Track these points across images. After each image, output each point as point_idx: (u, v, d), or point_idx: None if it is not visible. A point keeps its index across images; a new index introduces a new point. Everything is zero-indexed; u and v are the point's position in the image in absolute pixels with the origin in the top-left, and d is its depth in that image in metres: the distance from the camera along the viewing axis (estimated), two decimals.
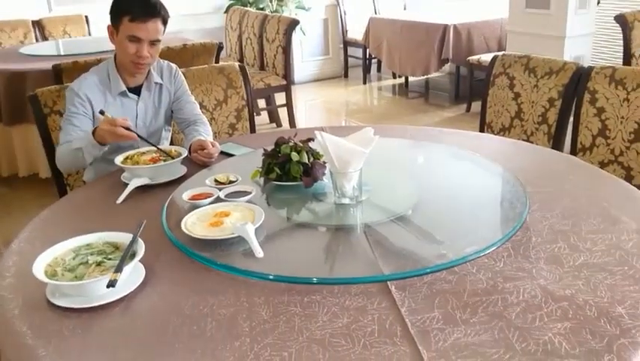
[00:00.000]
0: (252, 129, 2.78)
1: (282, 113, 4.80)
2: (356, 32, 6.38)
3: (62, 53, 4.24)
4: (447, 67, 5.67)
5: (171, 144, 2.29)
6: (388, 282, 1.12)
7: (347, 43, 6.52)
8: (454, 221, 1.38)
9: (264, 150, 1.61)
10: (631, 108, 2.07)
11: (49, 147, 2.26)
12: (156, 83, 2.02)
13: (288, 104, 4.61)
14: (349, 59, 6.62)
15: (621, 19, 3.41)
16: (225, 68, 2.67)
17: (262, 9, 5.79)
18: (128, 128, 1.70)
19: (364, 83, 6.41)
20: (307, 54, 6.50)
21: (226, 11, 5.62)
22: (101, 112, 1.78)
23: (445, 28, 5.02)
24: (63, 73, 2.99)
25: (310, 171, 1.51)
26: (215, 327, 1.02)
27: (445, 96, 5.87)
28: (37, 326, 1.05)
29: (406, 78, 6.13)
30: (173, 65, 2.10)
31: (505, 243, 1.23)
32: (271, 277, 1.14)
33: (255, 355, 0.95)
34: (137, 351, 0.97)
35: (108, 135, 1.71)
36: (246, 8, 5.26)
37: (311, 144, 1.56)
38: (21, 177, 3.73)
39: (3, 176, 3.76)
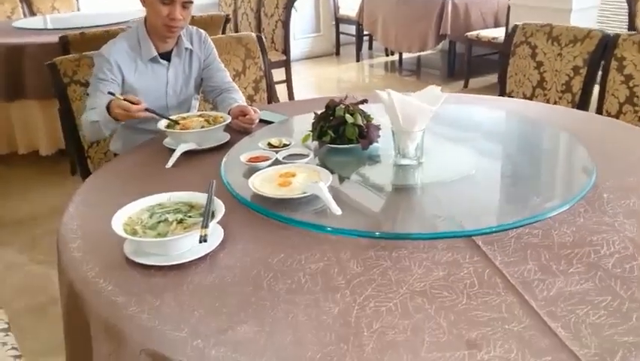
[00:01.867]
0: (269, 100, 2.74)
1: (279, 89, 4.73)
2: (348, 9, 6.33)
3: (59, 27, 4.10)
4: (440, 45, 5.66)
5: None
6: (474, 237, 1.11)
7: (339, 20, 6.46)
8: (524, 181, 1.37)
9: (315, 113, 1.58)
10: None
11: (69, 119, 2.19)
12: (186, 48, 1.96)
13: (288, 80, 4.55)
14: (341, 36, 6.57)
15: None
16: (243, 38, 2.62)
17: None
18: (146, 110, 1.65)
19: (357, 60, 6.37)
20: (298, 31, 6.41)
21: None
22: (111, 93, 1.71)
23: (443, 2, 5.00)
24: (70, 45, 2.90)
25: (366, 133, 1.49)
26: (310, 280, 1.00)
27: (438, 74, 5.87)
28: (124, 284, 1.02)
29: (400, 56, 6.11)
30: (202, 31, 2.04)
31: (579, 200, 1.23)
32: (354, 232, 1.12)
33: (360, 306, 0.93)
34: (236, 307, 0.95)
35: (123, 117, 1.67)
36: None
37: (368, 105, 1.54)
38: (20, 154, 3.62)
39: (1, 154, 3.65)
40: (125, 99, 1.64)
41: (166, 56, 1.93)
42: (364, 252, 1.08)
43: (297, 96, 5.30)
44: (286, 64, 4.45)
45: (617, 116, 2.23)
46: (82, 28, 3.39)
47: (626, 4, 3.46)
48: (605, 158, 1.44)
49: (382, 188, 1.39)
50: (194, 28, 2.03)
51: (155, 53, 1.89)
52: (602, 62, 2.27)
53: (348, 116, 1.50)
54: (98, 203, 1.36)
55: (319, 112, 1.58)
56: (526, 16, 3.40)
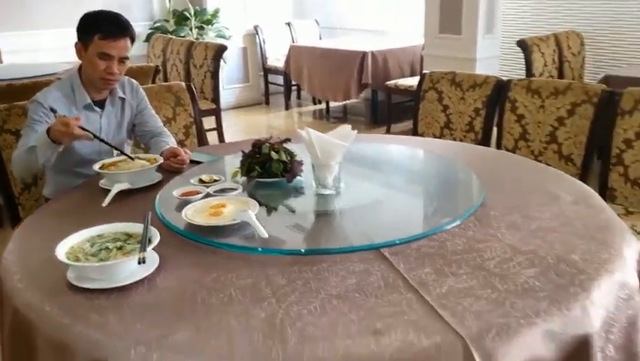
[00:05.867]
0: (200, 145, 2.88)
1: (210, 136, 4.87)
2: (275, 60, 6.61)
3: None
4: (363, 93, 6.01)
5: None
6: (381, 249, 1.29)
7: (267, 71, 6.73)
8: (424, 203, 1.58)
9: (242, 151, 1.74)
10: (546, 114, 2.40)
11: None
12: (120, 97, 2.09)
13: (219, 127, 4.71)
14: (270, 86, 6.83)
15: (523, 44, 3.87)
16: (173, 87, 2.77)
17: (183, 37, 5.88)
18: (82, 128, 1.72)
19: (286, 109, 6.62)
20: (227, 81, 6.61)
21: (147, 40, 5.65)
22: (53, 110, 1.78)
23: (363, 55, 5.35)
24: None
25: (290, 168, 1.66)
26: (240, 294, 1.14)
27: (363, 120, 6.20)
28: (69, 307, 1.12)
29: (327, 104, 6.41)
30: (134, 81, 2.18)
31: (469, 216, 1.44)
32: (283, 251, 1.28)
33: (284, 311, 1.07)
34: (174, 318, 1.07)
35: (63, 136, 1.71)
36: (169, 36, 5.33)
37: (291, 144, 1.72)
38: None
39: None
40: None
41: (100, 104, 2.05)
42: (289, 268, 1.23)
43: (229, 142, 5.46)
44: (216, 112, 4.61)
45: (513, 151, 2.52)
46: (8, 80, 3.43)
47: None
48: (495, 183, 1.68)
49: (305, 214, 1.56)
50: (127, 78, 2.16)
51: (89, 101, 2.01)
52: (498, 104, 2.58)
53: (273, 153, 1.67)
54: (38, 239, 1.44)
55: (247, 151, 1.74)
56: (438, 64, 3.75)
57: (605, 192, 2.25)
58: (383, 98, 5.63)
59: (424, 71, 2.94)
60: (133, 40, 1.98)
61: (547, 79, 2.50)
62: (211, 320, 1.06)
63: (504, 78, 2.65)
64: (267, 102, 6.86)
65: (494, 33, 4.10)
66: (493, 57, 4.18)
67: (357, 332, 1.01)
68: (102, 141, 1.84)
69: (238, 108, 6.66)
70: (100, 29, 1.89)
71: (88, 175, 1.96)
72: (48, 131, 1.74)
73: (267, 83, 6.81)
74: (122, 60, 1.95)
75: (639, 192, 2.17)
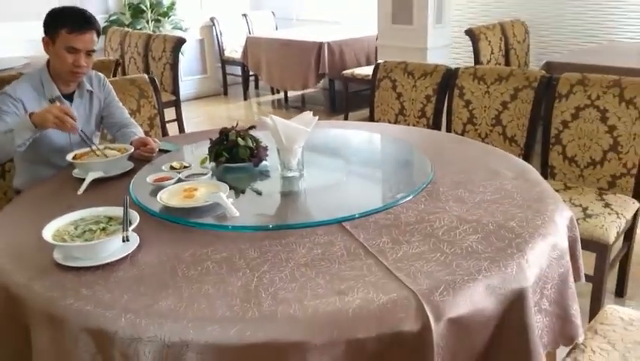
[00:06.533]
0: (164, 135, 2.96)
1: (171, 127, 4.92)
2: (232, 52, 6.67)
3: None
4: (320, 83, 6.14)
5: None
6: (343, 223, 1.42)
7: (225, 62, 6.77)
8: (381, 181, 1.74)
9: (210, 139, 1.85)
10: (491, 99, 2.59)
11: None
12: (88, 90, 2.16)
13: (179, 118, 4.76)
14: (228, 77, 6.88)
15: (470, 33, 4.06)
16: (136, 80, 2.83)
17: (140, 29, 5.87)
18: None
19: (245, 99, 6.70)
20: (185, 73, 6.61)
21: (103, 33, 5.61)
22: (53, 100, 1.86)
23: (320, 45, 5.47)
24: None
25: (256, 153, 1.78)
26: (216, 266, 1.26)
27: (321, 109, 6.33)
28: (57, 283, 1.21)
29: (285, 93, 6.52)
30: (101, 74, 2.25)
31: (420, 192, 1.60)
32: (253, 227, 1.40)
33: (258, 278, 1.20)
34: (157, 289, 1.18)
35: (53, 119, 1.78)
36: (126, 29, 5.32)
37: (255, 131, 1.83)
38: None
39: None
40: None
41: (68, 97, 2.11)
42: (260, 242, 1.36)
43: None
44: (176, 103, 4.66)
45: (462, 134, 2.70)
46: None
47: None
48: (443, 163, 1.83)
49: (272, 194, 1.69)
50: (94, 71, 2.23)
51: (58, 93, 2.07)
52: (447, 91, 2.75)
53: (240, 139, 1.79)
54: (19, 226, 1.52)
55: (214, 138, 1.84)
56: (392, 54, 3.90)
57: (547, 169, 2.45)
58: (340, 88, 5.77)
59: (378, 61, 3.09)
60: (99, 34, 2.05)
61: (492, 66, 2.67)
62: (191, 288, 1.18)
63: (454, 67, 2.81)
64: (226, 93, 6.92)
65: (444, 23, 4.28)
66: (444, 46, 4.37)
67: (323, 293, 1.14)
68: (83, 136, 1.91)
69: (197, 99, 6.70)
70: (66, 24, 1.96)
71: (59, 165, 2.02)
72: (31, 115, 1.81)
73: (224, 74, 6.85)
74: (89, 53, 2.02)
75: (576, 168, 2.38)
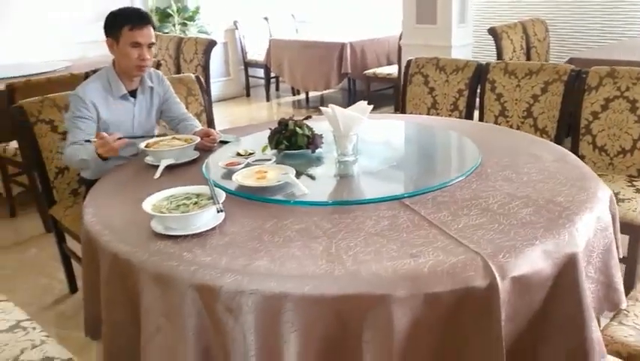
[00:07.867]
0: None
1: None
2: (255, 54, 6.84)
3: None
4: (341, 82, 6.29)
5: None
6: (403, 200, 1.57)
7: (247, 65, 6.95)
8: (432, 164, 1.90)
9: (270, 128, 2.01)
10: (522, 92, 2.73)
11: (35, 154, 2.46)
12: (149, 86, 2.33)
13: (209, 119, 4.92)
14: (250, 79, 7.05)
15: (493, 32, 4.20)
16: (183, 79, 3.00)
17: (167, 33, 6.06)
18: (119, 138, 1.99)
19: (267, 100, 6.87)
20: (210, 76, 6.80)
21: None
22: (87, 141, 2.03)
23: (342, 46, 5.64)
24: (16, 92, 3.11)
25: (313, 140, 1.93)
26: (297, 235, 1.41)
27: None
28: (159, 249, 1.37)
29: (307, 94, 6.68)
30: (159, 72, 2.42)
31: (471, 173, 1.74)
32: (330, 202, 1.57)
33: (336, 244, 1.35)
34: (250, 252, 1.33)
35: (108, 153, 1.99)
36: (157, 32, 5.50)
37: (312, 120, 1.99)
38: None
39: None
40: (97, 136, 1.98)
41: (132, 94, 2.28)
42: (330, 215, 1.51)
43: None
44: (209, 104, 4.83)
45: None
46: (23, 76, 3.62)
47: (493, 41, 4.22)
48: (488, 148, 1.97)
49: (330, 177, 1.84)
50: (152, 69, 2.39)
51: (125, 91, 2.24)
52: (479, 85, 2.89)
53: (297, 128, 1.94)
54: (111, 204, 1.68)
55: (273, 128, 2.00)
56: (416, 52, 4.02)
57: None
58: (361, 87, 5.92)
59: (409, 58, 3.23)
60: (155, 28, 2.23)
61: (522, 61, 2.81)
62: (280, 251, 1.33)
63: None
64: (248, 94, 7.09)
65: (467, 22, 4.43)
66: (466, 44, 4.52)
67: (398, 256, 1.29)
68: (135, 137, 2.12)
69: (221, 101, 6.88)
70: (127, 22, 2.14)
71: (123, 157, 2.19)
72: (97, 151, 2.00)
73: (247, 76, 7.03)
74: (150, 46, 2.19)
75: (606, 157, 2.51)
